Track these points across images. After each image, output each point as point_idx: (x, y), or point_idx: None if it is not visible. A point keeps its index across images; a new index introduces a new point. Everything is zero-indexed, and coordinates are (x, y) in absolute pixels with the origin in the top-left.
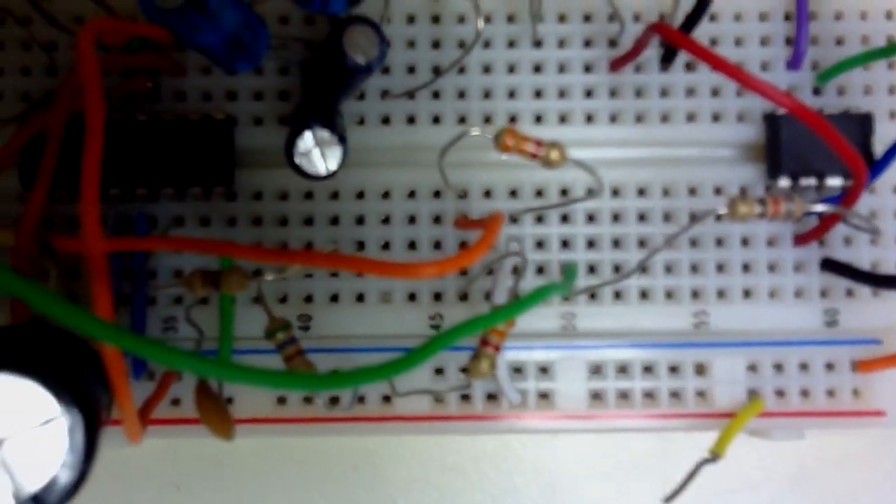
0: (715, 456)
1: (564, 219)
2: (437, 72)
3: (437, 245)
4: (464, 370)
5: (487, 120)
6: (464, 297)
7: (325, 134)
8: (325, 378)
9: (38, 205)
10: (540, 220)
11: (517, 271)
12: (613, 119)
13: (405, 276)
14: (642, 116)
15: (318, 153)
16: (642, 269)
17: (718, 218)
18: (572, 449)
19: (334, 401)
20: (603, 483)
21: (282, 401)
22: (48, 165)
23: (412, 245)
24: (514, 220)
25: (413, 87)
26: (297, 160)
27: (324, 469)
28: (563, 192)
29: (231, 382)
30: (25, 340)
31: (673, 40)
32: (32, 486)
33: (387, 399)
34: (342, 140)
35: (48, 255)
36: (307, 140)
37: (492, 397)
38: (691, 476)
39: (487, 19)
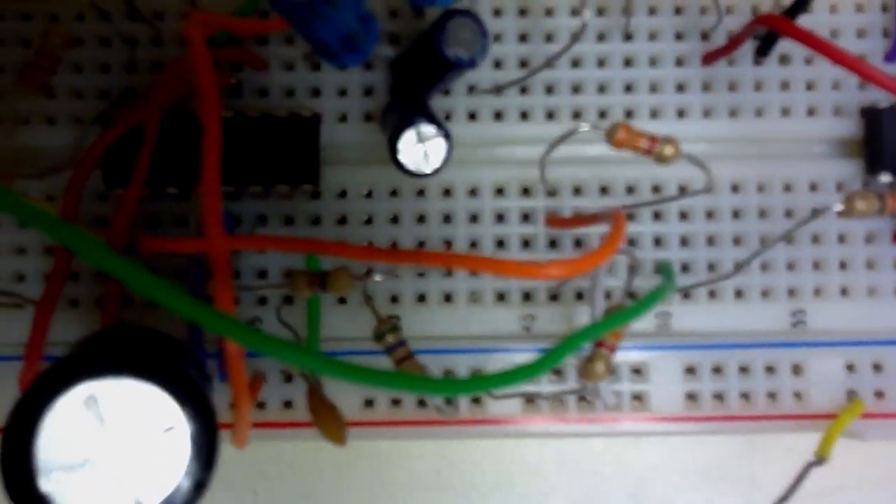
0: (820, 459)
1: (657, 216)
2: (524, 65)
3: (526, 243)
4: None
5: (577, 115)
6: (554, 297)
7: (430, 130)
8: (468, 382)
9: (132, 204)
10: (631, 217)
11: (633, 269)
12: (706, 114)
13: (529, 276)
14: (736, 111)
15: (422, 150)
16: (738, 267)
17: (837, 214)
18: (656, 452)
19: (422, 403)
20: (689, 486)
21: (369, 403)
22: (144, 163)
23: (500, 243)
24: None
25: (502, 82)
26: (402, 158)
27: (406, 472)
28: (655, 189)
29: (374, 386)
30: (139, 345)
31: (786, 31)
32: (156, 494)
33: (476, 401)
34: (447, 136)
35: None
36: (411, 137)
37: (583, 399)
38: (799, 480)
39: (575, 12)
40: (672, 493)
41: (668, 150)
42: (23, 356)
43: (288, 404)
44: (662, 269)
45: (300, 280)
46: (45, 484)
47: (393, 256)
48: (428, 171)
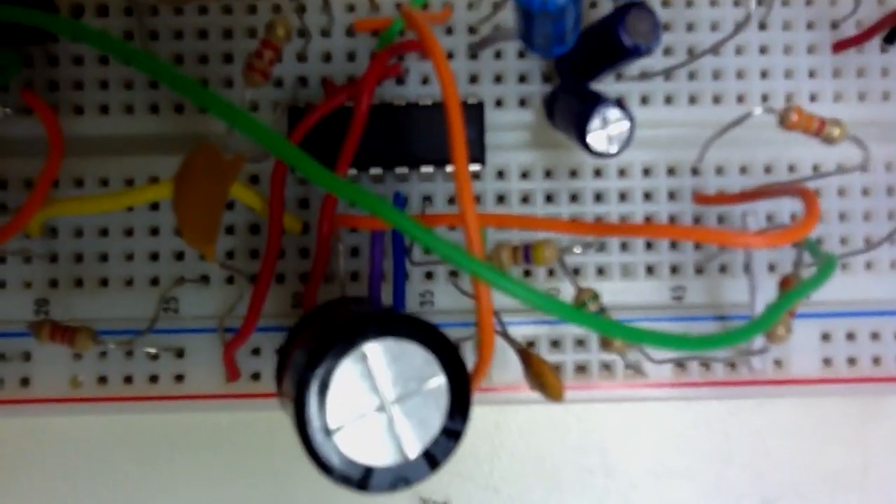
0: None
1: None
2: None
3: (673, 219)
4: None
5: (716, 100)
6: (699, 270)
7: (615, 113)
8: (701, 339)
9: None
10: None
11: (801, 244)
12: (837, 98)
13: (733, 245)
14: (864, 95)
15: (605, 133)
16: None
17: None
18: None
19: (581, 369)
20: (803, 447)
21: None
22: (350, 147)
23: (648, 219)
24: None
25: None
26: (590, 140)
27: (560, 439)
28: (791, 169)
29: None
30: (384, 309)
31: None
32: (420, 443)
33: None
34: (631, 119)
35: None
36: (598, 121)
37: (731, 365)
38: None
39: (713, 2)
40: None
41: (836, 132)
42: (232, 328)
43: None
44: (808, 244)
45: (505, 253)
46: (335, 437)
47: (601, 230)
48: (613, 151)
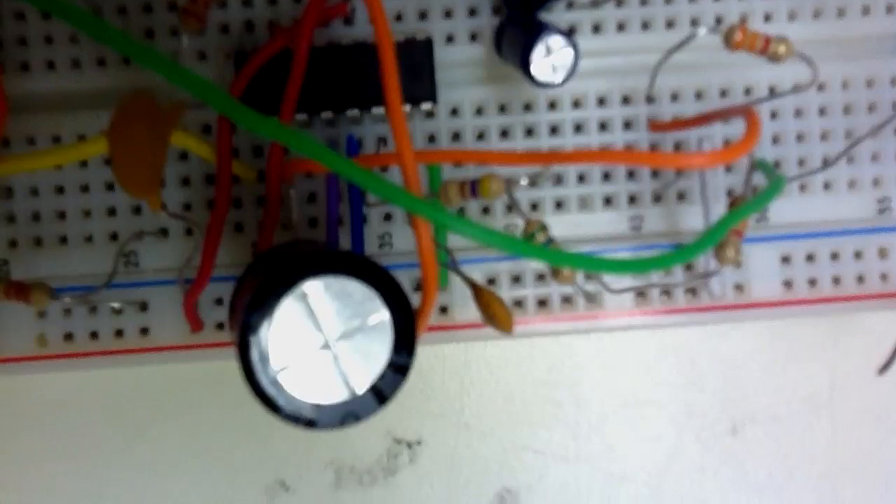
0: None
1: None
2: None
3: (629, 148)
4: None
5: (669, 25)
6: (657, 199)
7: (559, 41)
8: (639, 263)
9: (291, 109)
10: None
11: (753, 166)
12: (791, 17)
13: (677, 167)
14: (819, 13)
15: (550, 63)
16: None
17: None
18: (751, 339)
19: (542, 303)
20: (771, 370)
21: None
22: (293, 92)
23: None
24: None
25: None
26: (534, 70)
27: (520, 373)
28: (746, 91)
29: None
30: (329, 250)
31: None
32: (367, 379)
33: (592, 298)
34: (575, 47)
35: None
36: (541, 50)
37: (691, 292)
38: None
39: None
40: (759, 376)
41: (782, 49)
42: (191, 279)
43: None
44: (761, 165)
45: (451, 189)
46: (278, 375)
47: (548, 158)
48: (558, 81)
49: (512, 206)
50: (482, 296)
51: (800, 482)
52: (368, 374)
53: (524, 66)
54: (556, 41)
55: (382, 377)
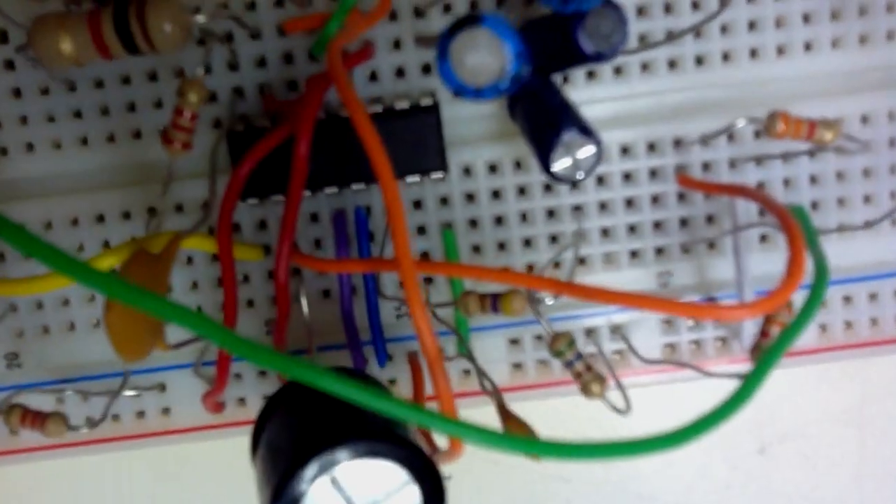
0: None
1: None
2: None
3: (655, 199)
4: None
5: (725, 57)
6: (686, 250)
7: (578, 137)
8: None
9: (294, 213)
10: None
11: None
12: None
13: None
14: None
15: (571, 160)
16: None
17: None
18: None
19: None
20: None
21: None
22: (300, 172)
23: (629, 203)
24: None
25: None
26: (556, 170)
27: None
28: None
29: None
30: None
31: None
32: None
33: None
34: (598, 142)
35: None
36: (562, 150)
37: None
38: None
39: None
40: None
41: (829, 136)
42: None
43: None
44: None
45: (472, 302)
46: None
47: (564, 289)
48: (580, 177)
49: (539, 320)
50: (511, 428)
51: (829, 500)
52: None
53: (544, 166)
54: (574, 139)
55: None
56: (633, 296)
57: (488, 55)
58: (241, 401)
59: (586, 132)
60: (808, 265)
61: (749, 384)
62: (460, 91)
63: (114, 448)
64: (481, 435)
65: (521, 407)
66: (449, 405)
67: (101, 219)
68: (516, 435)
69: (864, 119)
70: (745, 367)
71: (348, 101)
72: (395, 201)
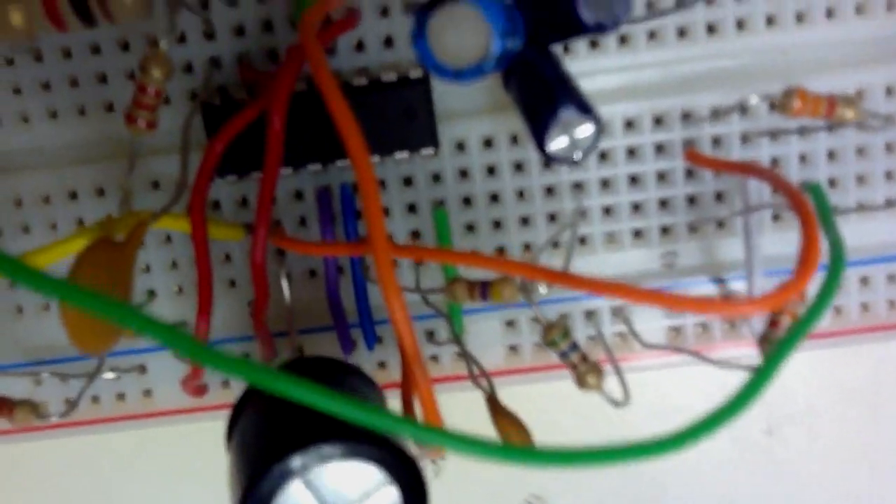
0: None
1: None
2: None
3: (661, 176)
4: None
5: (739, 25)
6: (694, 229)
7: (576, 115)
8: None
9: (270, 193)
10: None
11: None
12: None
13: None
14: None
15: (568, 139)
16: None
17: None
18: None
19: None
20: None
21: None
22: (275, 148)
23: (633, 180)
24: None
25: None
26: (552, 150)
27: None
28: None
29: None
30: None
31: None
32: None
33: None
34: (597, 120)
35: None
36: (560, 128)
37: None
38: None
39: None
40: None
41: (850, 114)
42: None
43: None
44: (814, 190)
45: (460, 289)
46: None
47: (557, 278)
48: (577, 158)
49: (531, 306)
50: (501, 425)
51: (837, 482)
52: None
53: (539, 145)
54: (572, 117)
55: None
56: (634, 289)
57: (470, 34)
58: (226, 383)
59: (585, 109)
60: (824, 247)
61: (758, 380)
62: (438, 72)
63: (94, 430)
64: (460, 443)
65: (518, 391)
66: (431, 407)
67: (73, 196)
68: (503, 444)
69: (890, 91)
70: (752, 352)
71: (315, 70)
72: (370, 182)
